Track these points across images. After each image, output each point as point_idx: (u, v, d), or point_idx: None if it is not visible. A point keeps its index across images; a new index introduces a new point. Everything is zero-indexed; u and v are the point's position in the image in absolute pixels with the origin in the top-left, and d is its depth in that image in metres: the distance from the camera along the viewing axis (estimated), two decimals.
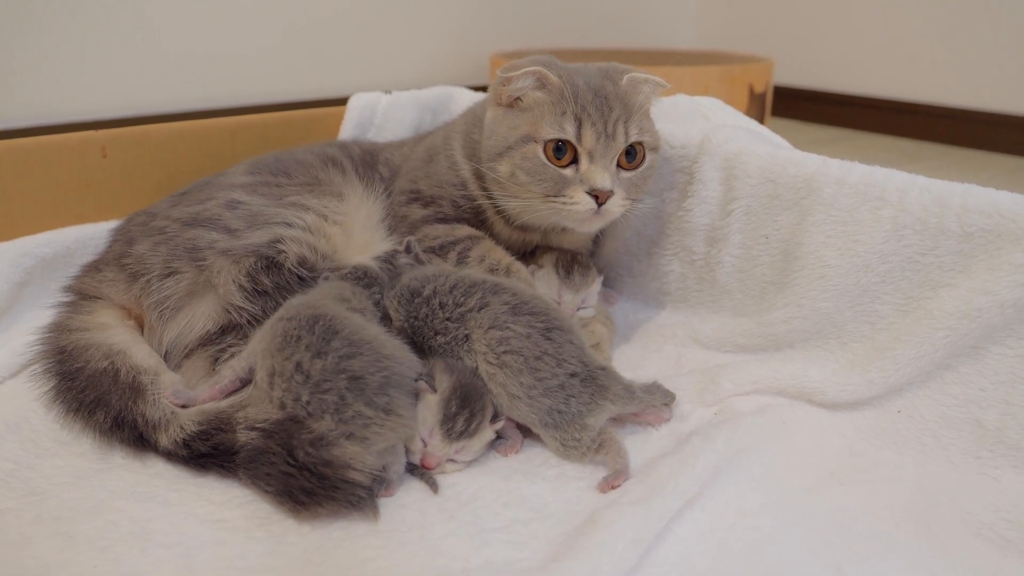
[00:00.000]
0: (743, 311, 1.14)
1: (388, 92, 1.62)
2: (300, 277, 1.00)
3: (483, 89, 1.67)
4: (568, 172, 1.02)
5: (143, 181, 1.39)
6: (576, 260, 1.13)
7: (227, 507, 0.79)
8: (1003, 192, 0.92)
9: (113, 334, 0.95)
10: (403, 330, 0.97)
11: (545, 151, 1.02)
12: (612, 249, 1.30)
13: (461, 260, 1.10)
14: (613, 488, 0.82)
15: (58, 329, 0.97)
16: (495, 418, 0.88)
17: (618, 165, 1.04)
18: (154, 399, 0.88)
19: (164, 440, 0.84)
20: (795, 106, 3.57)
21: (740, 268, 1.14)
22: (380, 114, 1.60)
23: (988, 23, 2.93)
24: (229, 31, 2.53)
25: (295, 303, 0.90)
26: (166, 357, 0.98)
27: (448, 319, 0.93)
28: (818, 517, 0.80)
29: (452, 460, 0.85)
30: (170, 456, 0.85)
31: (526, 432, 0.92)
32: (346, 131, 1.59)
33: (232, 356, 0.96)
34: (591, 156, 1.02)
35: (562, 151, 1.02)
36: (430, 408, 0.85)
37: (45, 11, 2.18)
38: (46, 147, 1.30)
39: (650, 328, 1.22)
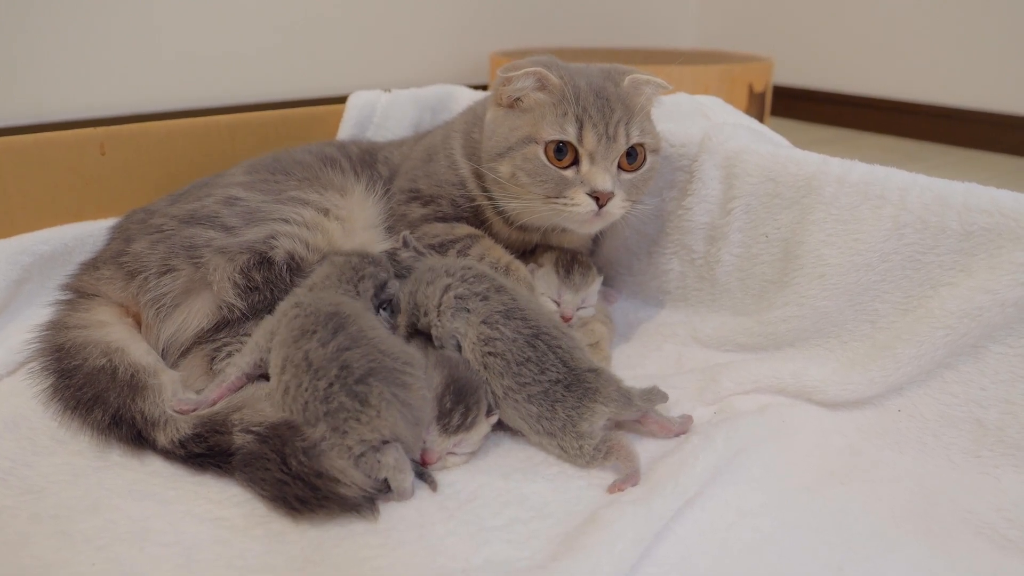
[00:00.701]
0: (743, 310, 1.14)
1: (388, 91, 1.62)
2: (291, 272, 1.00)
3: (483, 88, 1.67)
4: (569, 173, 1.02)
5: (142, 179, 1.38)
6: (576, 260, 1.13)
7: (226, 505, 0.79)
8: (1004, 191, 0.92)
9: (111, 331, 0.95)
10: (410, 324, 0.97)
11: (546, 152, 1.02)
12: (612, 248, 1.30)
13: (461, 258, 1.10)
14: (622, 490, 0.81)
15: (56, 327, 0.97)
16: (491, 411, 0.88)
17: (619, 167, 1.04)
18: (153, 396, 0.88)
19: (162, 439, 0.84)
20: (794, 106, 3.57)
21: (740, 267, 1.14)
22: (379, 113, 1.59)
23: (988, 23, 2.93)
24: (229, 29, 2.53)
25: (313, 299, 0.90)
26: (163, 354, 0.98)
27: (456, 296, 0.94)
28: (818, 516, 0.80)
29: (452, 453, 0.85)
30: (168, 455, 0.84)
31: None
32: (345, 129, 1.58)
33: (229, 353, 0.96)
34: (592, 157, 1.01)
35: (563, 152, 1.02)
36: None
37: (44, 9, 2.17)
38: (45, 144, 1.30)
39: (650, 327, 1.21)
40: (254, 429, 0.81)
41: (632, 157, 1.05)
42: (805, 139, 3.09)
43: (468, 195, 1.16)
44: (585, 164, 1.02)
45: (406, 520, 0.77)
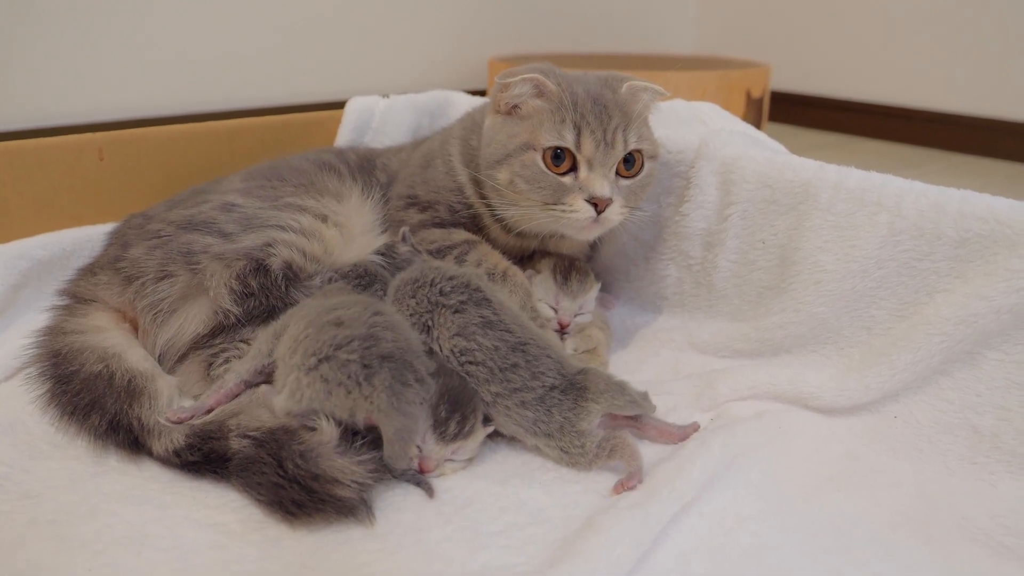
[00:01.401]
0: (740, 316, 1.15)
1: (386, 96, 1.62)
2: (287, 280, 1.00)
3: (481, 93, 1.68)
4: (567, 180, 1.02)
5: (140, 184, 1.38)
6: (574, 266, 1.13)
7: (223, 511, 0.79)
8: (999, 198, 0.92)
9: (108, 337, 0.95)
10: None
11: (544, 159, 1.02)
12: (609, 253, 1.30)
13: (458, 264, 1.10)
14: (628, 490, 0.81)
15: (53, 332, 0.97)
16: (487, 420, 0.88)
17: (617, 173, 1.04)
18: (150, 403, 0.88)
19: (157, 447, 0.84)
20: (792, 111, 3.58)
21: (737, 273, 1.14)
22: (378, 118, 1.60)
23: (985, 29, 2.94)
24: (227, 34, 2.54)
25: (358, 312, 0.86)
26: (160, 360, 0.98)
27: (428, 299, 0.93)
28: (816, 522, 0.80)
29: (450, 460, 0.86)
30: (165, 462, 0.84)
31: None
32: (344, 134, 1.59)
33: (226, 360, 0.96)
34: (590, 164, 1.02)
35: (561, 159, 1.02)
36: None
37: (43, 14, 2.18)
38: (43, 149, 1.30)
39: (647, 333, 1.22)
40: (251, 434, 0.81)
41: (630, 163, 1.05)
42: (802, 144, 3.10)
43: (466, 201, 1.16)
44: (583, 170, 1.02)
45: (403, 525, 0.77)
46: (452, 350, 0.90)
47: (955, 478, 0.87)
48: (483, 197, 1.13)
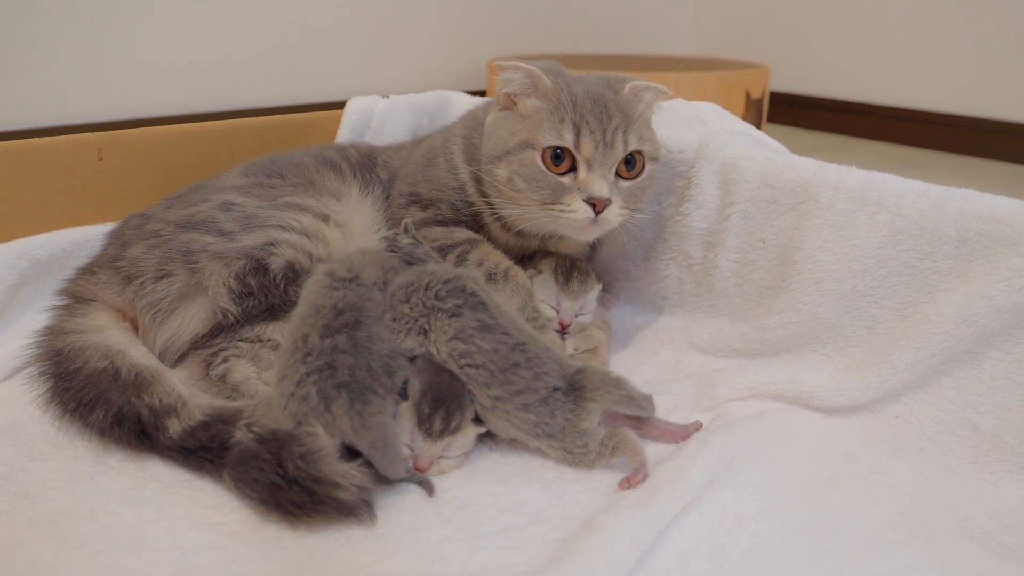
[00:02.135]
0: (740, 316, 1.14)
1: (385, 96, 1.62)
2: (286, 280, 1.00)
3: (481, 94, 1.68)
4: (566, 180, 1.02)
5: (139, 184, 1.38)
6: (575, 267, 1.13)
7: (222, 511, 0.78)
8: (1000, 197, 0.92)
9: (110, 336, 0.95)
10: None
11: (543, 158, 1.02)
12: (609, 253, 1.30)
13: (460, 263, 1.10)
14: (634, 485, 0.81)
15: (53, 332, 0.97)
16: (478, 420, 0.88)
17: (617, 174, 1.04)
18: (163, 388, 0.88)
19: (175, 426, 0.84)
20: (791, 112, 3.58)
21: (737, 273, 1.14)
22: (377, 118, 1.60)
23: (984, 30, 2.94)
24: (227, 35, 2.54)
25: (344, 273, 0.92)
26: (160, 359, 0.98)
27: (422, 303, 0.92)
28: (816, 522, 0.80)
29: (443, 457, 0.85)
30: (170, 450, 0.84)
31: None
32: (343, 135, 1.58)
33: (225, 359, 0.96)
34: (589, 164, 1.02)
35: (560, 159, 1.02)
36: (404, 414, 0.86)
37: (42, 14, 2.18)
38: (42, 149, 1.30)
39: (647, 333, 1.21)
40: (256, 430, 0.81)
41: (630, 164, 1.05)
42: (802, 146, 3.09)
43: (467, 199, 1.16)
44: (582, 171, 1.02)
45: (402, 526, 0.77)
46: (451, 353, 0.89)
47: (956, 478, 0.87)
48: (484, 195, 1.13)
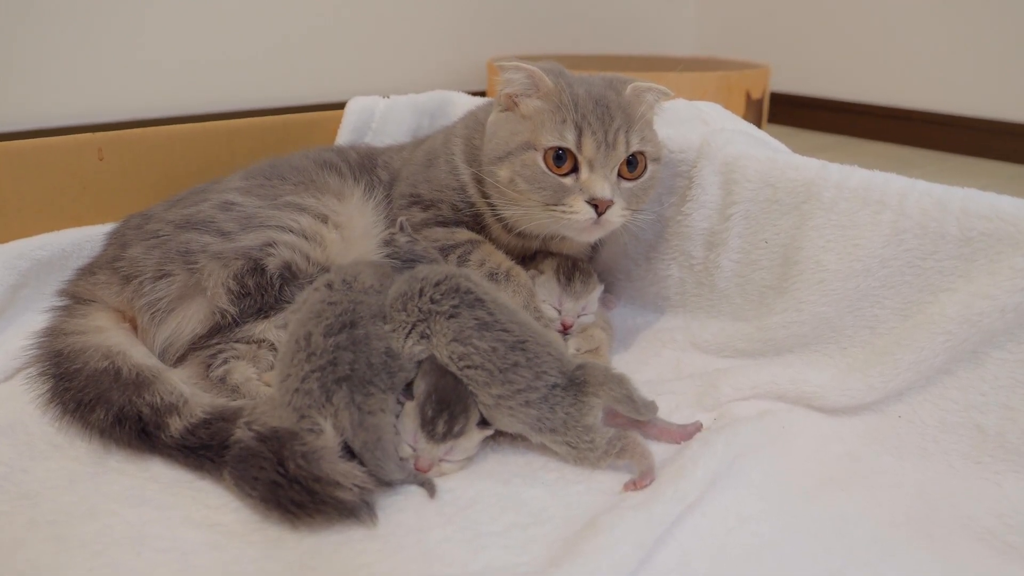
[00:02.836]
0: (742, 316, 1.14)
1: (386, 96, 1.62)
2: (283, 281, 1.00)
3: (481, 95, 1.68)
4: (568, 181, 1.02)
5: (140, 184, 1.38)
6: (577, 267, 1.13)
7: (223, 511, 0.78)
8: (1003, 196, 0.92)
9: (110, 336, 0.95)
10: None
11: (545, 159, 1.02)
12: (611, 253, 1.30)
13: (461, 264, 1.10)
14: (639, 489, 0.81)
15: (53, 333, 0.96)
16: (485, 423, 0.88)
17: (619, 175, 1.04)
18: (164, 387, 0.88)
19: (176, 424, 0.84)
20: (792, 113, 3.58)
21: (739, 273, 1.14)
22: (378, 118, 1.60)
23: (985, 30, 2.94)
24: (227, 35, 2.53)
25: (341, 281, 0.94)
26: (159, 359, 0.97)
27: (418, 308, 0.92)
28: (818, 522, 0.79)
29: (445, 460, 0.85)
30: (171, 449, 0.84)
31: (523, 439, 0.91)
32: (344, 135, 1.58)
33: (224, 360, 0.95)
34: (591, 165, 1.01)
35: (562, 159, 1.02)
36: (409, 414, 0.86)
37: (43, 15, 2.18)
38: (43, 149, 1.30)
39: (649, 333, 1.21)
40: (256, 428, 0.81)
41: (632, 165, 1.05)
42: (802, 146, 3.08)
43: (468, 200, 1.16)
44: (584, 172, 1.02)
45: (404, 526, 0.77)
46: (451, 356, 0.89)
47: (959, 478, 0.87)
48: (485, 196, 1.13)
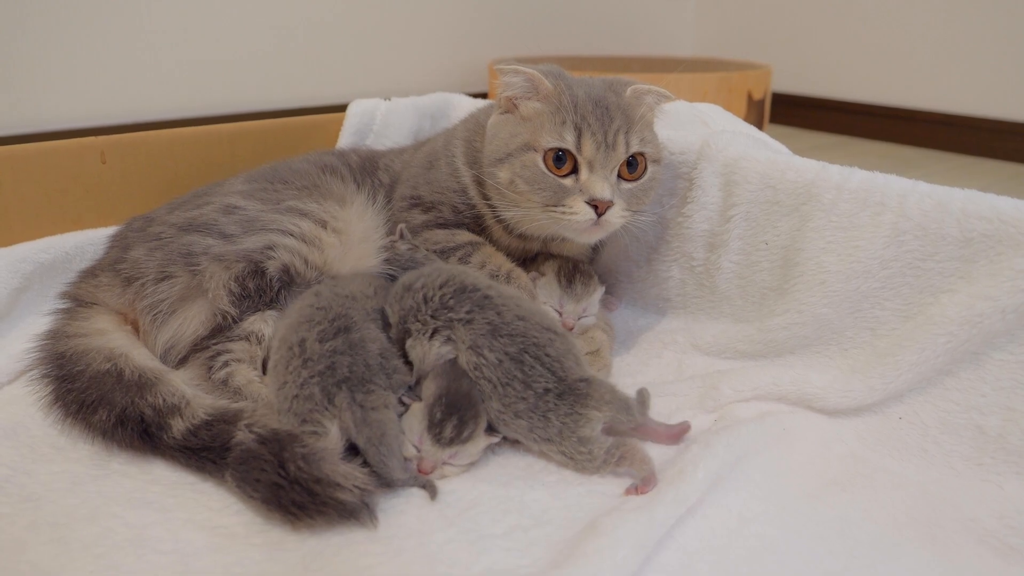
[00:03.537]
0: (743, 317, 1.14)
1: (387, 99, 1.62)
2: (282, 284, 1.00)
3: (482, 96, 1.68)
4: (568, 182, 1.02)
5: (142, 187, 1.38)
6: (578, 269, 1.13)
7: (225, 513, 0.78)
8: (1004, 197, 0.92)
9: (112, 338, 0.95)
10: (399, 331, 0.96)
11: (545, 160, 1.02)
12: (612, 255, 1.30)
13: (462, 265, 1.10)
14: (641, 494, 0.81)
15: (55, 336, 0.97)
16: (492, 430, 0.88)
17: (619, 176, 1.04)
18: (167, 388, 0.88)
19: (179, 425, 0.84)
20: (793, 113, 3.58)
21: (740, 274, 1.14)
22: (379, 120, 1.60)
23: (986, 30, 2.94)
24: (228, 38, 2.54)
25: (331, 291, 0.95)
26: (161, 361, 0.98)
27: (432, 315, 0.93)
28: (820, 524, 0.79)
29: (448, 464, 0.85)
30: (173, 450, 0.84)
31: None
32: (345, 137, 1.59)
33: (226, 363, 0.96)
34: (591, 166, 1.01)
35: (562, 160, 1.02)
36: (415, 415, 0.86)
37: (44, 18, 2.18)
38: (45, 153, 1.30)
39: (650, 334, 1.21)
40: (257, 430, 0.81)
41: (632, 166, 1.05)
42: (803, 146, 3.09)
43: (469, 202, 1.16)
44: (584, 172, 1.02)
45: (406, 528, 0.77)
46: (468, 363, 0.90)
47: (960, 479, 0.87)
48: (486, 198, 1.13)
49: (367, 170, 1.27)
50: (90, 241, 1.24)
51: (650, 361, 1.15)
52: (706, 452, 0.84)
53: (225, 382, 0.94)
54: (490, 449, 0.90)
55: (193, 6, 2.44)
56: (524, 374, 0.88)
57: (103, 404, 0.87)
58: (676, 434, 0.92)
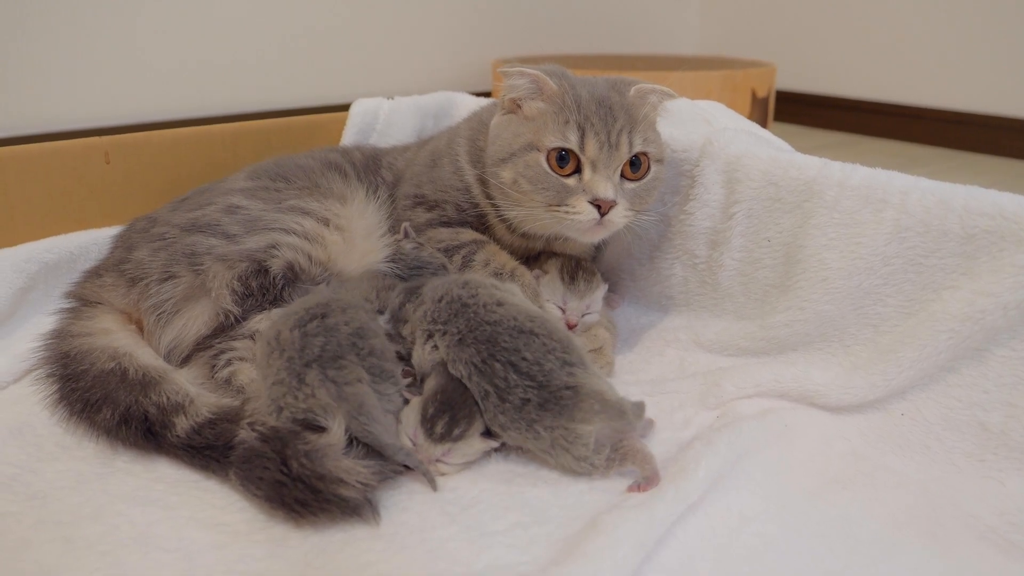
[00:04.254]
0: (745, 314, 1.14)
1: (390, 98, 1.63)
2: (286, 281, 1.01)
3: (485, 95, 1.68)
4: (571, 181, 1.02)
5: (146, 187, 1.39)
6: (580, 266, 1.13)
7: (228, 511, 0.79)
8: (1005, 194, 0.92)
9: (116, 338, 0.96)
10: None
11: (548, 160, 1.02)
12: (614, 253, 1.30)
13: (466, 264, 1.10)
14: (643, 492, 0.81)
15: (60, 335, 0.97)
16: (490, 434, 0.87)
17: (622, 176, 1.04)
18: (170, 387, 0.89)
19: (182, 424, 0.85)
20: (797, 111, 3.57)
21: (742, 271, 1.14)
22: (382, 120, 1.60)
23: (990, 27, 2.93)
24: (231, 38, 2.55)
25: (326, 297, 0.94)
26: (165, 361, 0.98)
27: (430, 321, 0.93)
28: (821, 522, 0.79)
29: (442, 461, 0.85)
30: (176, 449, 0.85)
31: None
32: (348, 137, 1.59)
33: (228, 361, 0.96)
34: (594, 166, 1.01)
35: (565, 160, 1.02)
36: (412, 409, 0.87)
37: (47, 19, 2.19)
38: (50, 153, 1.31)
39: (652, 332, 1.21)
40: (259, 428, 0.81)
41: (636, 166, 1.05)
42: (808, 144, 3.09)
43: (472, 201, 1.16)
44: (587, 172, 1.02)
45: (408, 525, 0.77)
46: (454, 372, 0.89)
47: (962, 476, 0.86)
48: (489, 197, 1.13)
49: (370, 168, 1.27)
50: (94, 241, 1.25)
51: (652, 359, 1.15)
52: (708, 450, 0.84)
53: (228, 380, 0.94)
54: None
55: (196, 7, 2.45)
56: (495, 385, 0.85)
57: (107, 403, 0.88)
58: (651, 476, 0.83)
